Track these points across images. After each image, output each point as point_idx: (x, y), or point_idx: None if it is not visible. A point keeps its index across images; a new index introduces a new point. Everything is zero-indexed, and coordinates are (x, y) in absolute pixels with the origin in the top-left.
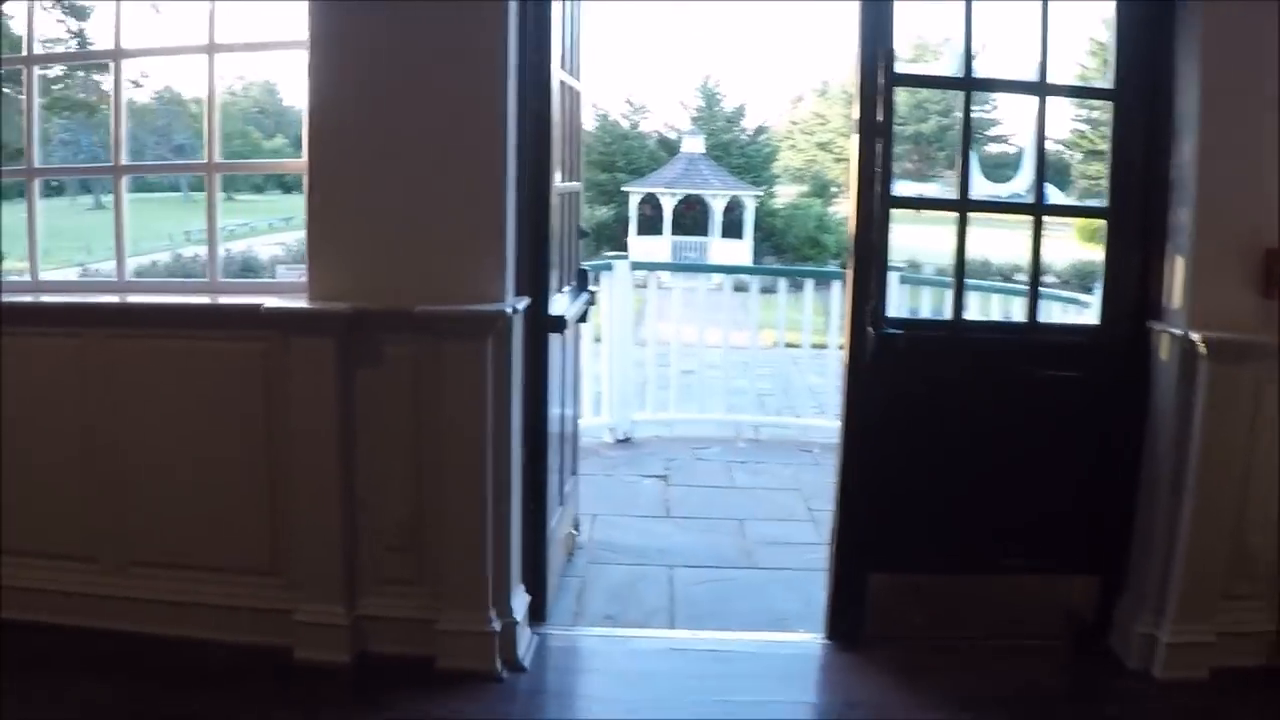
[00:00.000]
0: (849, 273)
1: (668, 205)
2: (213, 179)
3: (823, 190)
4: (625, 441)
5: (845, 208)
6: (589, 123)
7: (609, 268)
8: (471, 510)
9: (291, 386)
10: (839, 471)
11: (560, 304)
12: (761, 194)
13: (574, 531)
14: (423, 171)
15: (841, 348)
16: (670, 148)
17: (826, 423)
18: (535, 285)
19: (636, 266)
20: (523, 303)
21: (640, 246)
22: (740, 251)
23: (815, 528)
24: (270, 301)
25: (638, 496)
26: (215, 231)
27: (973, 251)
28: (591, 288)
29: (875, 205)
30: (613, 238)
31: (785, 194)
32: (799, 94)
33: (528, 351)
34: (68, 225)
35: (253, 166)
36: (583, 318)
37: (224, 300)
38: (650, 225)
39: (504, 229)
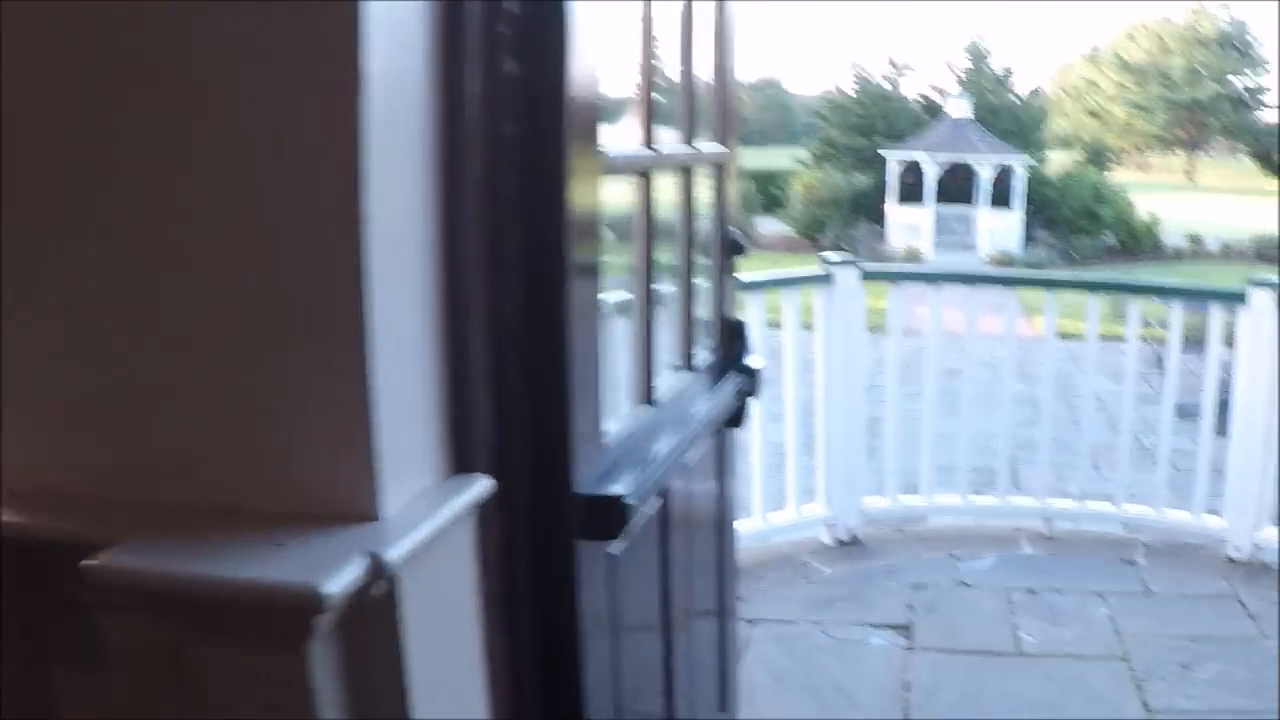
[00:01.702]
0: None
1: (930, 172)
2: None
3: (1098, 158)
4: (850, 544)
5: (1124, 177)
6: (846, 83)
7: (826, 280)
8: None
9: None
10: None
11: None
12: (1033, 161)
13: None
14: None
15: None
16: (934, 111)
17: (1155, 511)
18: (540, 425)
19: (872, 276)
20: (458, 503)
21: (900, 216)
22: (1010, 223)
23: None
24: None
25: (858, 679)
26: None
27: None
28: (754, 360)
29: None
30: (870, 206)
31: (1057, 162)
32: (1068, 59)
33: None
34: None
35: None
36: (733, 421)
37: None
38: (911, 193)
39: (359, 336)
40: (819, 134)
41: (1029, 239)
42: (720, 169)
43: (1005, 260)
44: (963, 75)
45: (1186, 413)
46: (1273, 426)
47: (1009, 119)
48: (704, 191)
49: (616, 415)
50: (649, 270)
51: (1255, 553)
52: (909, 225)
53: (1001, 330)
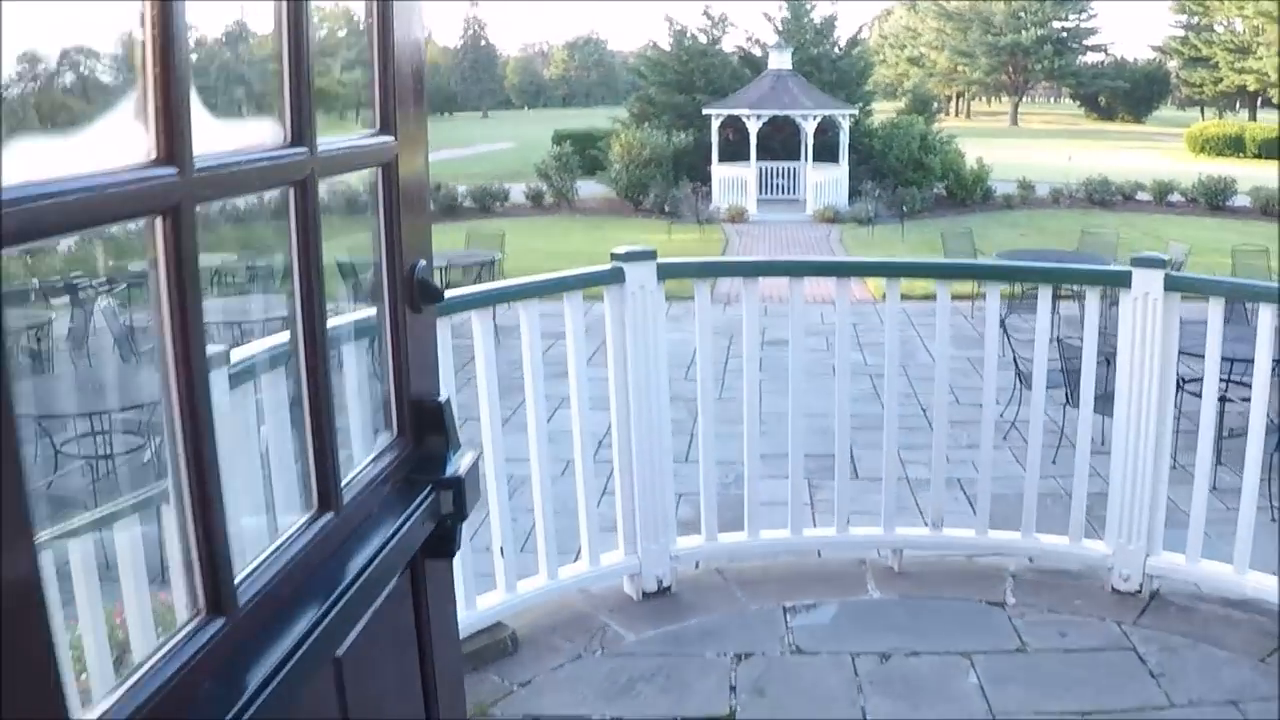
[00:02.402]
0: None
1: (753, 128)
2: None
3: (923, 107)
4: (660, 596)
5: (949, 124)
6: (661, 38)
7: (615, 278)
8: None
9: None
10: None
11: None
12: (856, 112)
13: None
14: None
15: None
16: (755, 65)
17: (1025, 538)
18: None
19: (670, 273)
20: None
21: (724, 174)
22: (836, 177)
23: None
24: None
25: None
26: None
27: None
28: (462, 460)
29: None
30: (693, 165)
31: (882, 112)
32: (887, 6)
33: None
34: None
35: None
36: (436, 549)
37: None
38: (734, 151)
39: None
40: (637, 93)
41: (856, 192)
42: (388, 170)
43: (831, 216)
44: (781, 26)
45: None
46: (1165, 430)
47: (830, 70)
48: (347, 207)
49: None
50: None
51: (1148, 583)
52: (733, 183)
53: (832, 293)
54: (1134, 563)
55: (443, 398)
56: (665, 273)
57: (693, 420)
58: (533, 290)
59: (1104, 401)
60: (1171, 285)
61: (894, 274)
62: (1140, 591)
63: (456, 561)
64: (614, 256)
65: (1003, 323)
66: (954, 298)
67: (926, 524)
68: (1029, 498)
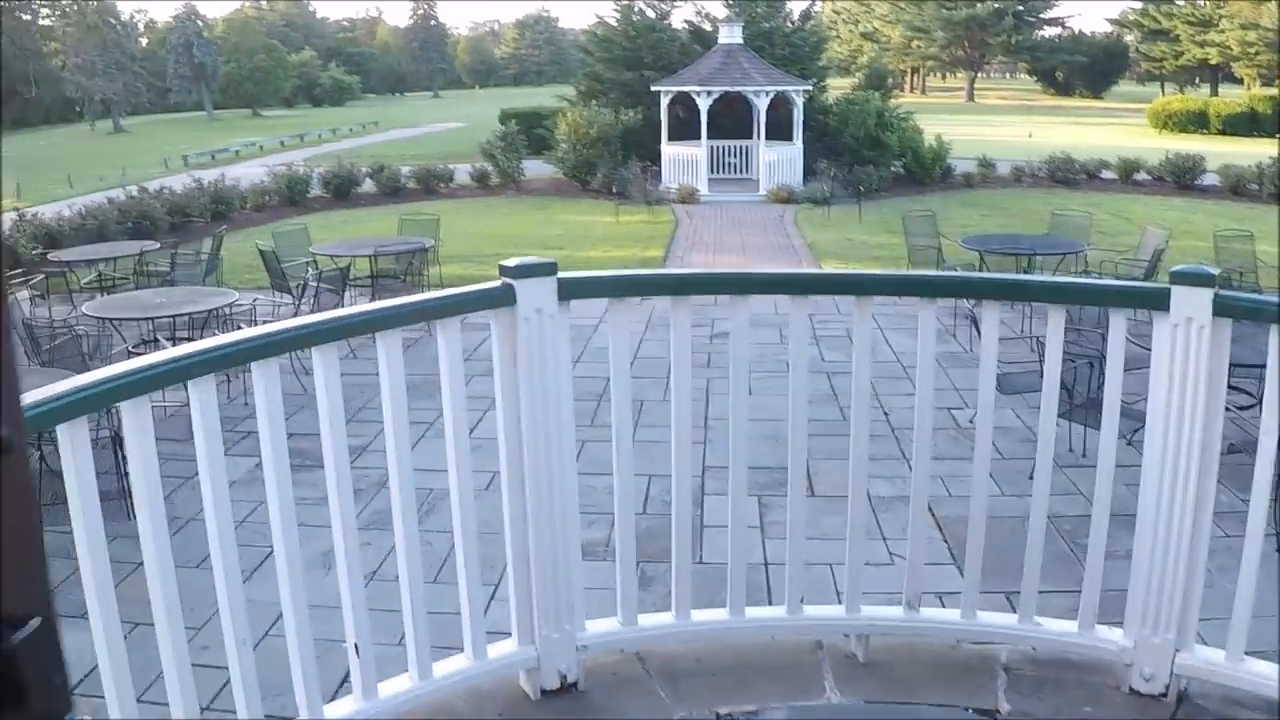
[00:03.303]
0: None
1: (703, 105)
2: None
3: (880, 83)
4: (564, 694)
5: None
6: (607, 11)
7: (506, 300)
8: None
9: None
10: None
11: None
12: (811, 88)
13: None
14: None
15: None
16: (705, 40)
17: (1021, 622)
18: None
19: (576, 290)
20: None
21: (674, 152)
22: (790, 155)
23: None
24: None
25: None
26: None
27: None
28: None
29: None
30: (642, 144)
31: (836, 89)
32: None
33: None
34: (92, 150)
35: None
36: None
37: None
38: (685, 129)
39: None
40: (584, 70)
41: (811, 171)
42: None
43: (786, 195)
44: (732, 0)
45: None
46: (1207, 497)
47: (783, 45)
48: None
49: None
50: None
51: (1175, 683)
52: (684, 162)
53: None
54: (1160, 659)
55: None
56: (570, 290)
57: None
58: (392, 318)
59: (1090, 412)
60: (1223, 308)
61: (865, 290)
62: (1166, 694)
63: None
64: (503, 270)
65: (972, 316)
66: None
67: (901, 601)
68: (1029, 568)
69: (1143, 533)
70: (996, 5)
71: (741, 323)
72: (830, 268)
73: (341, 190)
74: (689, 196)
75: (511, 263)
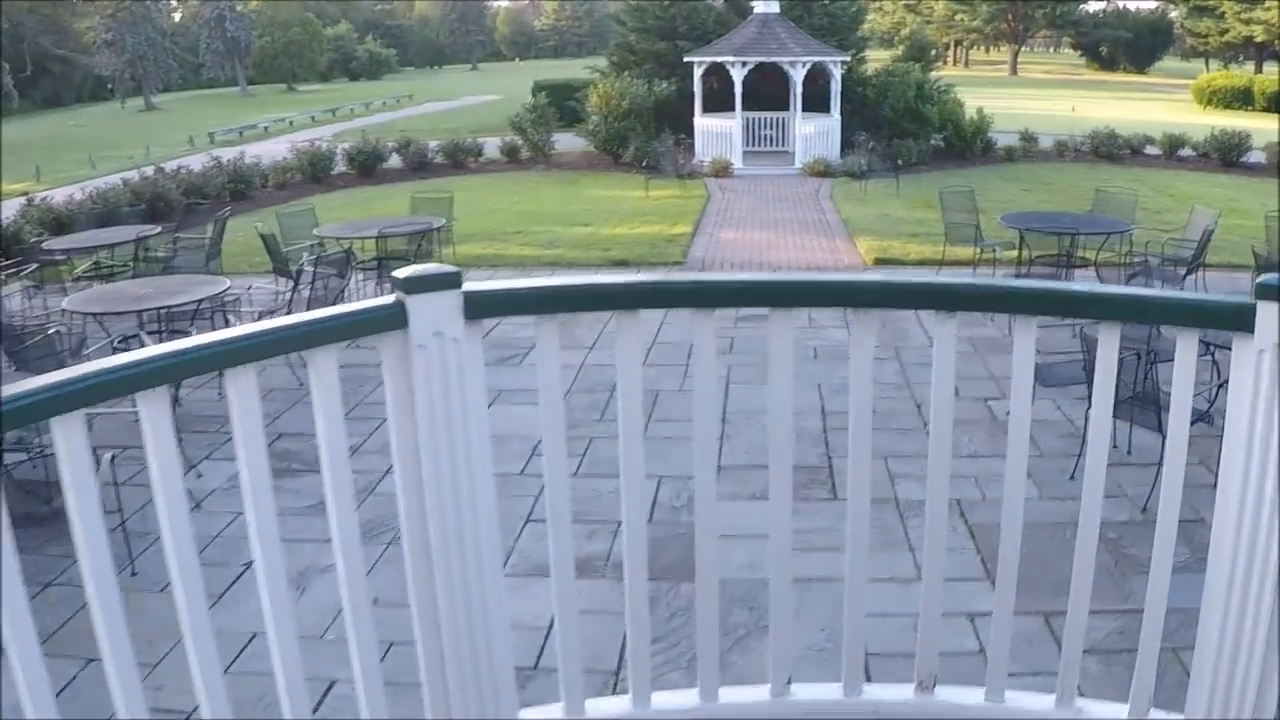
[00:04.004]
0: None
1: (738, 75)
2: None
3: (921, 54)
4: None
5: (947, 74)
6: None
7: (396, 322)
8: None
9: None
10: None
11: None
12: (849, 59)
13: None
14: None
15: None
16: (740, 9)
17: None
18: None
19: (484, 307)
20: None
21: (708, 125)
22: (827, 127)
23: None
24: None
25: None
26: None
27: None
28: None
29: None
30: (675, 116)
31: (876, 60)
32: None
33: None
34: (122, 129)
35: None
36: None
37: None
38: (719, 100)
39: None
40: (617, 41)
41: (848, 144)
42: None
43: (822, 169)
44: None
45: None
46: None
47: (821, 15)
48: None
49: None
50: None
51: None
52: (718, 135)
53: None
54: None
55: None
56: (480, 306)
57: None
58: (239, 352)
59: (1137, 408)
60: None
61: (899, 302)
62: None
63: None
64: (395, 284)
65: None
66: (951, 263)
67: (914, 680)
68: (1069, 645)
69: (1212, 601)
70: None
71: (705, 350)
72: (863, 244)
73: (367, 166)
74: (722, 170)
75: (403, 273)
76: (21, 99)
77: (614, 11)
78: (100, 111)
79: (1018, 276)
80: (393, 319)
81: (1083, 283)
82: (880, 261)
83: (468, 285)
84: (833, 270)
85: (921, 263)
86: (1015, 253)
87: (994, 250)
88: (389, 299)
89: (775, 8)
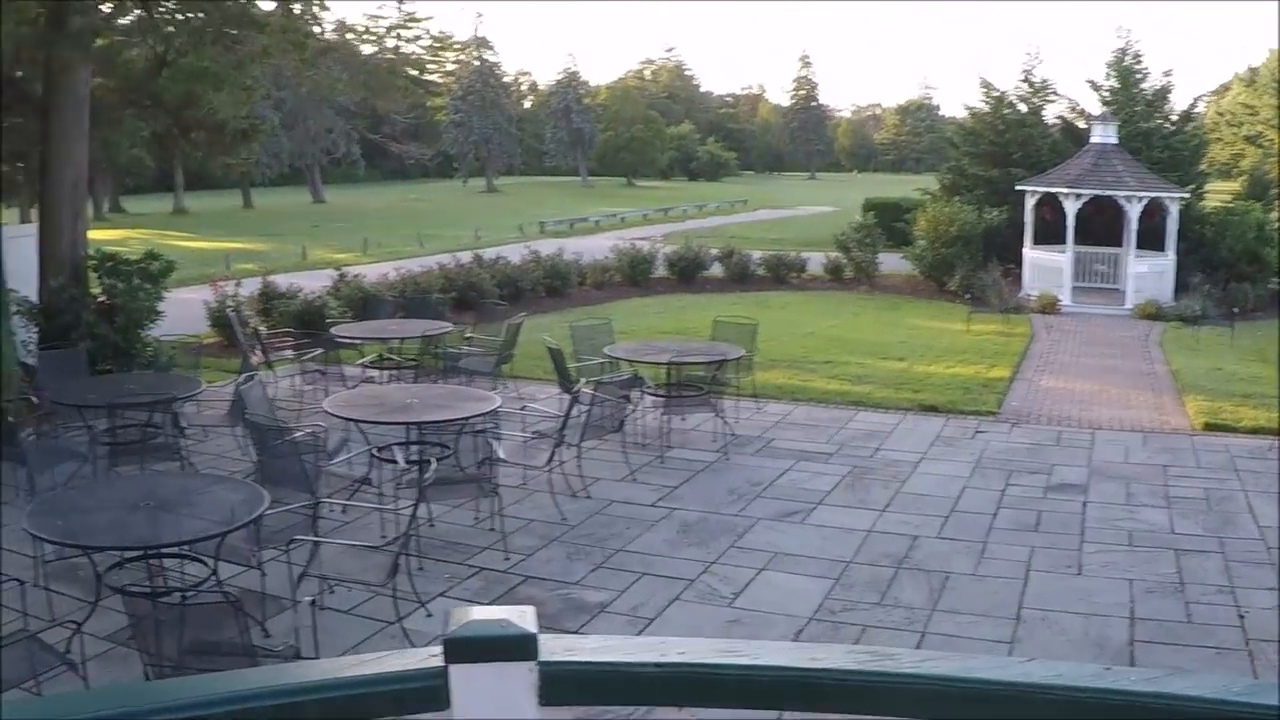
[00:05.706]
0: None
1: (1071, 208)
2: None
3: (1262, 192)
4: None
5: None
6: (977, 103)
7: (433, 696)
8: None
9: None
10: None
11: None
12: (1188, 195)
13: None
14: None
15: None
16: (1077, 138)
17: None
18: None
19: (566, 692)
20: None
21: (1036, 257)
22: (1161, 267)
23: None
24: None
25: None
26: None
27: None
28: None
29: None
30: (1004, 246)
31: (1215, 196)
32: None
33: None
34: (458, 208)
35: None
36: None
37: None
38: (1050, 232)
39: None
40: (949, 164)
41: (1182, 286)
42: None
43: (1154, 311)
44: (1108, 96)
45: None
46: None
47: (1161, 147)
48: None
49: None
50: None
51: None
52: (1046, 268)
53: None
54: None
55: None
56: (560, 690)
57: None
58: None
59: None
60: None
61: None
62: None
63: None
64: (447, 646)
65: None
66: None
67: None
68: None
69: None
70: None
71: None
72: (1192, 405)
73: (687, 273)
74: (1049, 306)
75: (453, 627)
76: (370, 168)
77: (949, 134)
78: (442, 188)
79: None
80: (429, 693)
81: None
82: (1210, 427)
83: (549, 650)
84: (1158, 433)
85: (1255, 430)
86: None
87: None
88: (425, 657)
89: (1113, 138)
